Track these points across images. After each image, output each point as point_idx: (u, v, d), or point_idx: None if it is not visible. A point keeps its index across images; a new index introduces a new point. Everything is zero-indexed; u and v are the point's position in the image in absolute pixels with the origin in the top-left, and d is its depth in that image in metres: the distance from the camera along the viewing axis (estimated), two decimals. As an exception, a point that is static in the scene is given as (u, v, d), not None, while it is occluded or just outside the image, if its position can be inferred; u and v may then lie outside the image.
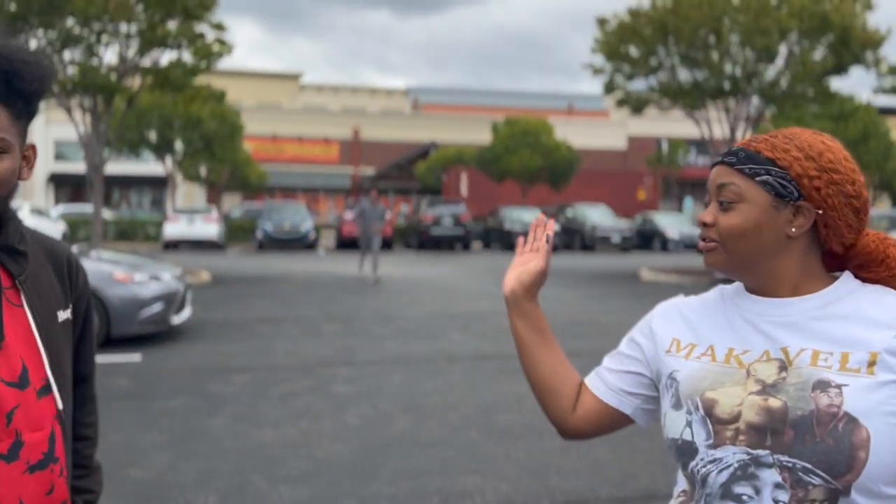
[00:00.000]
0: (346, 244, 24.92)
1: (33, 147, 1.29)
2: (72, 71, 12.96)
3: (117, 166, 32.92)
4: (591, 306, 11.36)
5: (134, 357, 7.19)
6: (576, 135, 36.67)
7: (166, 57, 13.57)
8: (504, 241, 24.84)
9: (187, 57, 13.47)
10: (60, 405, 1.29)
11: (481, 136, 35.78)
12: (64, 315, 1.36)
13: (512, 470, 4.29)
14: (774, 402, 1.07)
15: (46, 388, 1.28)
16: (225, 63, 15.72)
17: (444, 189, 33.91)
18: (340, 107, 46.38)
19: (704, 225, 1.17)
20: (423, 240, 24.55)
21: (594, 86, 44.49)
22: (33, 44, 12.46)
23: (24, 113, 1.25)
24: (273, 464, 4.35)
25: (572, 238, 26.01)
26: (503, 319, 10.37)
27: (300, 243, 24.03)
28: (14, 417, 1.22)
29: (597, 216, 26.51)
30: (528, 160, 28.25)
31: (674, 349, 1.22)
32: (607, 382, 1.30)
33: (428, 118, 43.58)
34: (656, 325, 1.27)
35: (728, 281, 1.25)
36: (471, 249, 25.15)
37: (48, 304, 1.32)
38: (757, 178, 1.12)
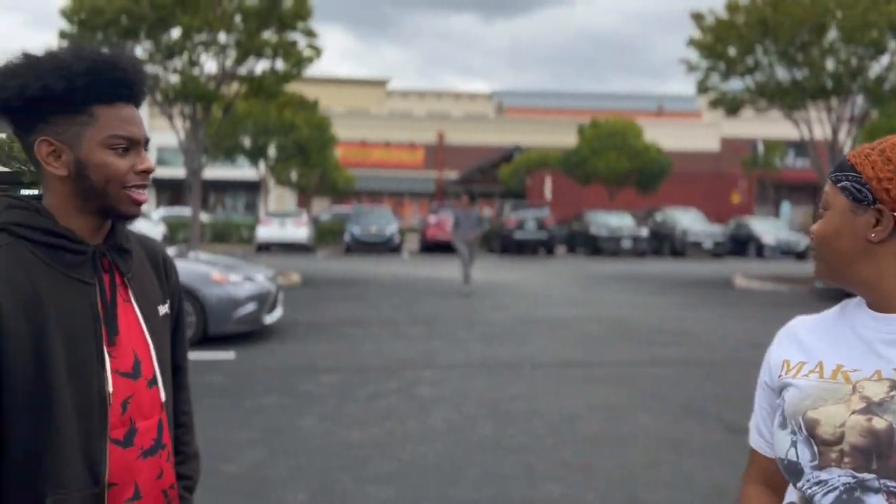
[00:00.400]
0: (430, 248, 25.15)
1: None
2: (174, 80, 13.64)
3: (214, 171, 34.39)
4: (682, 314, 11.02)
5: (228, 355, 7.47)
6: (666, 136, 35.71)
7: (261, 66, 14.08)
8: (590, 245, 24.43)
9: (280, 65, 13.93)
10: (164, 395, 1.37)
11: (566, 138, 35.37)
12: (164, 309, 1.44)
13: (598, 480, 4.21)
14: (879, 423, 1.02)
15: (155, 379, 1.36)
16: (316, 71, 16.18)
17: (528, 192, 33.72)
18: (426, 111, 46.88)
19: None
20: (505, 244, 24.46)
21: (686, 86, 43.22)
22: (139, 53, 13.19)
23: None
24: (360, 463, 4.43)
25: (662, 243, 25.33)
26: (588, 325, 10.18)
27: (386, 246, 24.42)
28: (129, 406, 1.30)
29: (688, 220, 25.72)
30: (615, 162, 27.72)
31: (784, 371, 1.19)
32: (770, 441, 1.27)
33: (512, 122, 43.46)
34: (771, 357, 1.25)
35: (852, 294, 1.21)
36: (555, 254, 24.90)
37: (151, 300, 1.40)
38: (839, 185, 1.14)
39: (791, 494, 1.14)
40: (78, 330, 1.26)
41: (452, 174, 40.64)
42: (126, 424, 1.30)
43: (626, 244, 23.83)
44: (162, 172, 38.96)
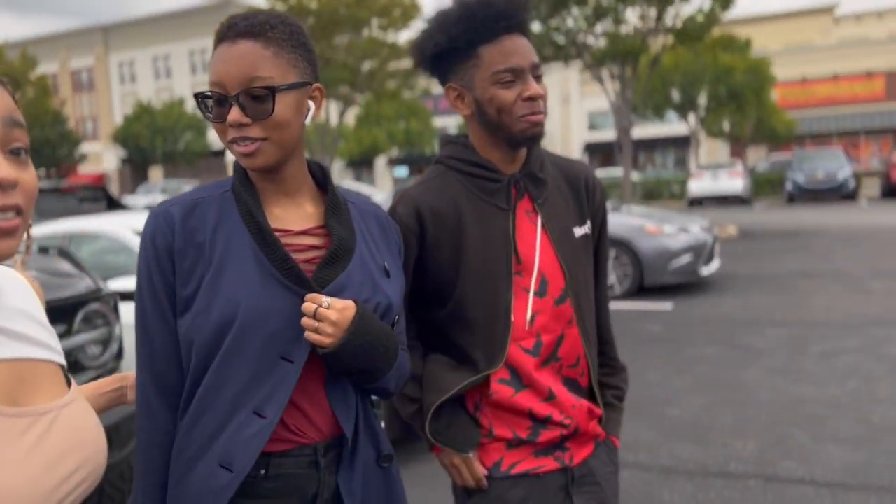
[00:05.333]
0: (894, 192, 21.46)
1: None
2: (601, 43, 14.03)
3: (642, 130, 34.58)
4: None
5: (665, 306, 7.48)
6: None
7: (686, 10, 13.61)
8: None
9: (706, 5, 13.28)
10: (572, 313, 1.45)
11: None
12: (581, 230, 1.50)
13: None
14: None
15: (562, 298, 1.44)
16: (749, 9, 14.98)
17: None
18: (886, 33, 39.74)
19: None
20: None
21: None
22: (569, 22, 13.87)
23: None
24: (816, 422, 4.02)
25: None
26: None
27: (837, 193, 21.58)
28: (535, 321, 1.42)
29: None
30: None
31: None
32: None
33: None
34: None
35: None
36: None
37: (563, 223, 1.46)
38: None
39: None
40: (491, 251, 1.40)
41: (924, 104, 33.81)
42: (533, 336, 1.41)
43: None
44: (592, 136, 40.73)
